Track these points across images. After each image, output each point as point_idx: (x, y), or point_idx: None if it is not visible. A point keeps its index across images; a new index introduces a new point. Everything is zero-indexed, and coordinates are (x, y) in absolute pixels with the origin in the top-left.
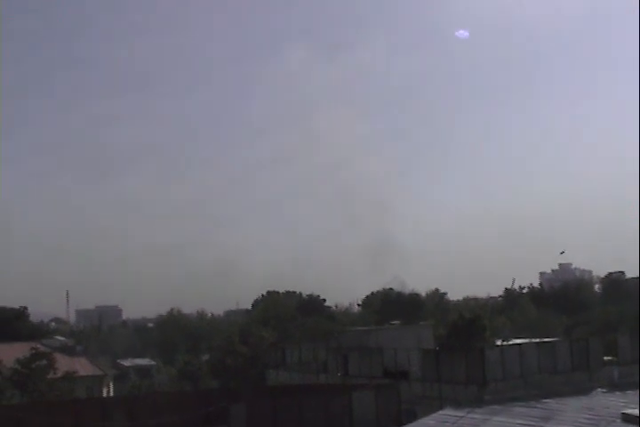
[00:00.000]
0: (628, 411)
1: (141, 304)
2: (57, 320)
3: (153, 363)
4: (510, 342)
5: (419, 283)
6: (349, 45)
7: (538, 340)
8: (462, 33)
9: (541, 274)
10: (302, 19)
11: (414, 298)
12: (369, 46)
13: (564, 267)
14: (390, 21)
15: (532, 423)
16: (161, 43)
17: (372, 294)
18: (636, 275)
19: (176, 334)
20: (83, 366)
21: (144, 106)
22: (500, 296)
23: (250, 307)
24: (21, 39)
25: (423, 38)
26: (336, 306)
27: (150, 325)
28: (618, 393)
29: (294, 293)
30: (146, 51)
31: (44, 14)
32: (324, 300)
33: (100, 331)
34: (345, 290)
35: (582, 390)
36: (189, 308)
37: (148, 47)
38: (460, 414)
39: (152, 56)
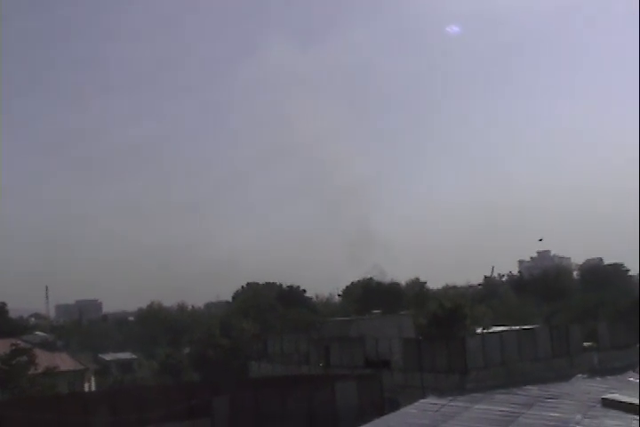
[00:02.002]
0: (608, 396)
1: (121, 298)
2: (36, 316)
3: (134, 357)
4: (491, 330)
5: (398, 272)
6: (340, 43)
7: (518, 327)
8: (453, 28)
9: (520, 262)
10: (293, 16)
11: (394, 287)
12: (359, 44)
13: (542, 254)
14: (379, 15)
15: (514, 410)
16: (156, 42)
17: (352, 284)
18: (614, 261)
19: (157, 327)
20: (64, 362)
21: (142, 106)
22: (480, 284)
23: (230, 299)
24: (21, 39)
25: (411, 33)
26: (316, 296)
27: (131, 318)
28: (598, 379)
29: (274, 284)
30: (142, 51)
31: (44, 14)
32: (305, 290)
33: (80, 326)
34: (325, 280)
35: (563, 376)
36: (169, 301)
37: (144, 47)
38: (442, 402)
39: (147, 56)
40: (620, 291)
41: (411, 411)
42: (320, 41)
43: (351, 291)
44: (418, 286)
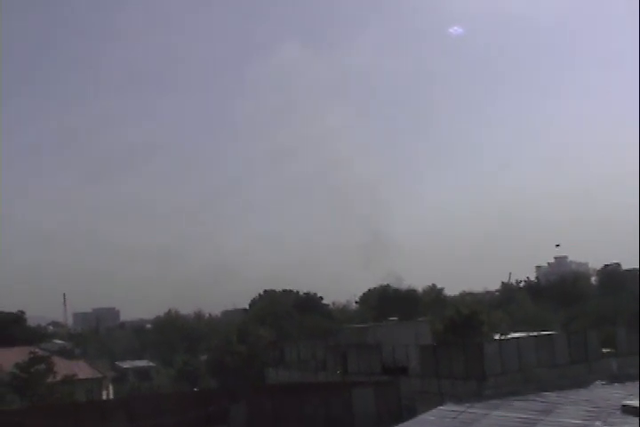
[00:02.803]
0: (628, 402)
1: (139, 306)
2: (54, 324)
3: (152, 364)
4: (508, 337)
5: (415, 279)
6: (343, 44)
7: (536, 333)
8: (456, 29)
9: (538, 268)
10: (296, 17)
11: (411, 294)
12: (362, 45)
13: (559, 260)
14: (384, 18)
15: (532, 417)
16: (160, 42)
17: (369, 290)
18: (632, 266)
19: (174, 335)
20: (81, 369)
21: (144, 106)
22: (497, 291)
23: (247, 306)
24: (22, 39)
25: (415, 34)
26: (333, 303)
27: (148, 326)
28: (617, 385)
29: (291, 291)
30: (144, 51)
31: (44, 14)
32: (322, 297)
33: (97, 333)
34: (342, 287)
35: (581, 382)
36: (187, 309)
37: (146, 47)
38: (459, 409)
39: (150, 56)
40: (638, 296)
41: (428, 418)
42: (324, 42)
43: (368, 298)
44: (435, 293)
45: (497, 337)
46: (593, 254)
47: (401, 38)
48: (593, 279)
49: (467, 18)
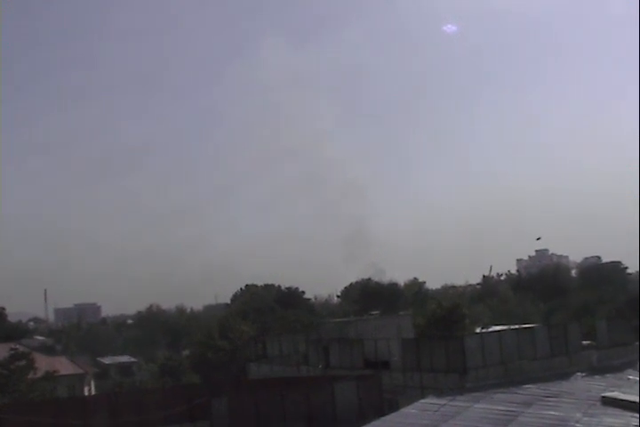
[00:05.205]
0: (608, 394)
1: (120, 301)
2: (36, 320)
3: (134, 360)
4: (489, 330)
5: (397, 273)
6: (334, 41)
7: (517, 326)
8: (450, 27)
9: (518, 261)
10: (285, 13)
11: (393, 288)
12: (350, 41)
13: (540, 253)
14: (374, 15)
15: (514, 409)
16: (151, 43)
17: (351, 284)
18: (612, 259)
19: (156, 330)
20: (63, 366)
21: (140, 107)
22: (479, 284)
23: (229, 301)
24: (21, 39)
25: (406, 32)
26: (315, 298)
27: (130, 322)
28: (597, 377)
29: (273, 285)
30: (139, 51)
31: (44, 14)
32: (303, 292)
33: (79, 329)
34: (324, 281)
35: (562, 374)
36: (168, 304)
37: (141, 47)
38: (441, 402)
39: (146, 56)
40: (618, 289)
41: (410, 411)
42: (315, 41)
43: (350, 292)
44: (417, 286)
45: (478, 330)
46: (573, 248)
47: (393, 36)
48: (573, 272)
49: (460, 15)
